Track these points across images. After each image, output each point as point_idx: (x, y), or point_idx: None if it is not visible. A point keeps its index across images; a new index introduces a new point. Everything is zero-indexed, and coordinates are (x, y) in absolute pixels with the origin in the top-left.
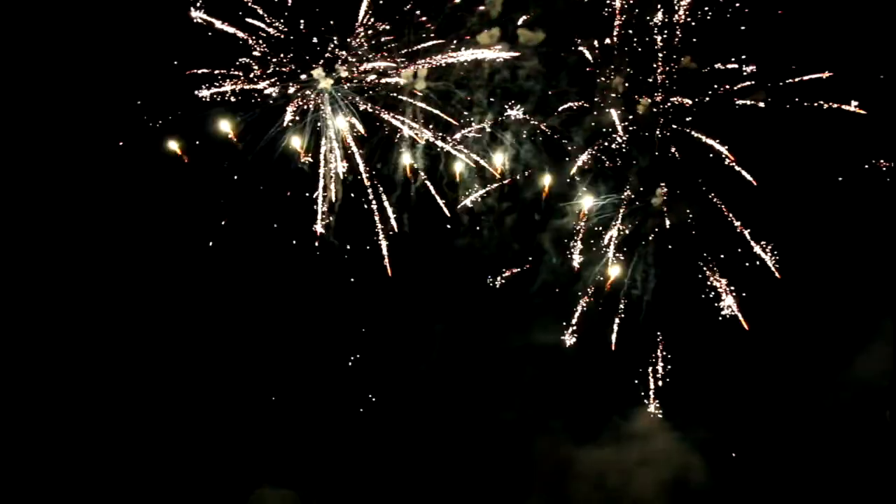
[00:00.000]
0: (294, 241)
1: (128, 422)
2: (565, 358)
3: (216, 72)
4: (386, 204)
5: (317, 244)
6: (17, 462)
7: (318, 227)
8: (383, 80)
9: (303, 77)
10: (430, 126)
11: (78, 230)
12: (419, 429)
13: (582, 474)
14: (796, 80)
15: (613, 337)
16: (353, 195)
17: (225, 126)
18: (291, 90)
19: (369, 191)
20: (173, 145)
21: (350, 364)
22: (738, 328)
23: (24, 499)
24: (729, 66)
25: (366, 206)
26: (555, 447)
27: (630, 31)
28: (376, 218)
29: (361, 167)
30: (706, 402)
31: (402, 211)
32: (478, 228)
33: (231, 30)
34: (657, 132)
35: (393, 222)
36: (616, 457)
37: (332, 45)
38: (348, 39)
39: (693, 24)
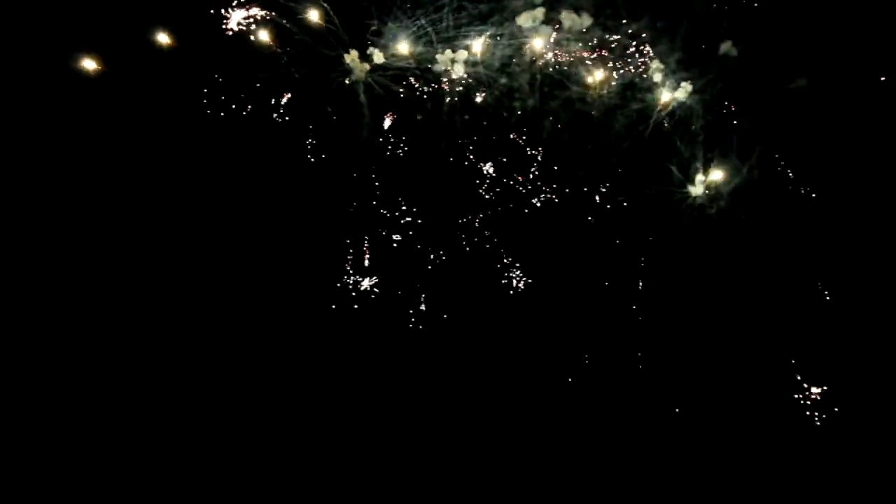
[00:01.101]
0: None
1: (128, 422)
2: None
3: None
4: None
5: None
6: (16, 462)
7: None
8: (420, 66)
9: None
10: (470, 113)
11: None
12: (425, 430)
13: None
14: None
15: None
16: (388, 183)
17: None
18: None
19: (406, 178)
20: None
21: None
22: (765, 325)
23: (22, 499)
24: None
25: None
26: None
27: (673, 17)
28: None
29: (396, 155)
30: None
31: (438, 199)
32: (512, 221)
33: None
34: (699, 119)
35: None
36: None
37: (370, 30)
38: (385, 23)
39: (737, 9)
